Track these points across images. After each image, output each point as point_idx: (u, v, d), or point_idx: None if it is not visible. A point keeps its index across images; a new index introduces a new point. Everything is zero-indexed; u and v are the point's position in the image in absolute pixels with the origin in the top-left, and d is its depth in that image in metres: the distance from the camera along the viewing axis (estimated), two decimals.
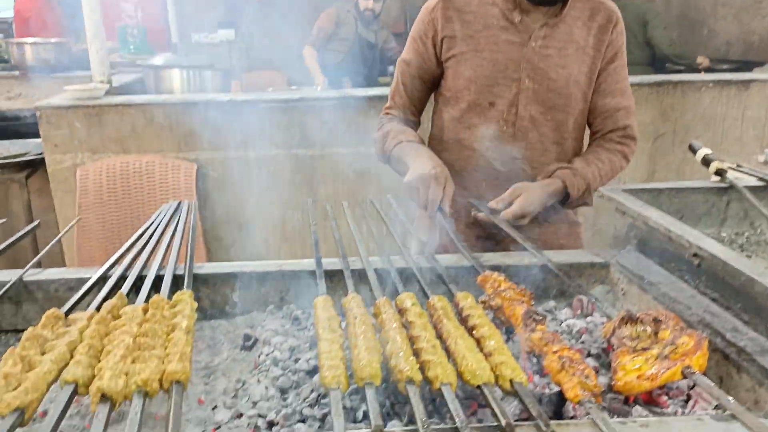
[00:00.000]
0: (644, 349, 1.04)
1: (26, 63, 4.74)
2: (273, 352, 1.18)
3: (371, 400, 0.85)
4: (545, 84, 1.71)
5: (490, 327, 1.04)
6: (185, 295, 1.14)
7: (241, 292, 1.35)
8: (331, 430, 0.91)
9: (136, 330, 0.98)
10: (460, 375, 0.92)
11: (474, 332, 1.04)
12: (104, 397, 0.83)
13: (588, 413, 0.98)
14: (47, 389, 0.87)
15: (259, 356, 1.18)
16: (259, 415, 1.01)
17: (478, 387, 0.89)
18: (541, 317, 1.05)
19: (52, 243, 1.45)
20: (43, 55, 4.73)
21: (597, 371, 1.11)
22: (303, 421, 0.97)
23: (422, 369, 0.93)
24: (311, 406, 1.01)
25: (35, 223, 1.57)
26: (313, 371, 1.11)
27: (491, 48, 1.72)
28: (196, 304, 1.12)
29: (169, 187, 3.24)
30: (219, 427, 1.00)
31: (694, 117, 3.90)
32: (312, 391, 1.05)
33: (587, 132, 1.90)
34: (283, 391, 1.07)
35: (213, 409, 1.04)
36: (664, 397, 1.04)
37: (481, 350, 0.98)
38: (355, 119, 3.29)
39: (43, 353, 0.95)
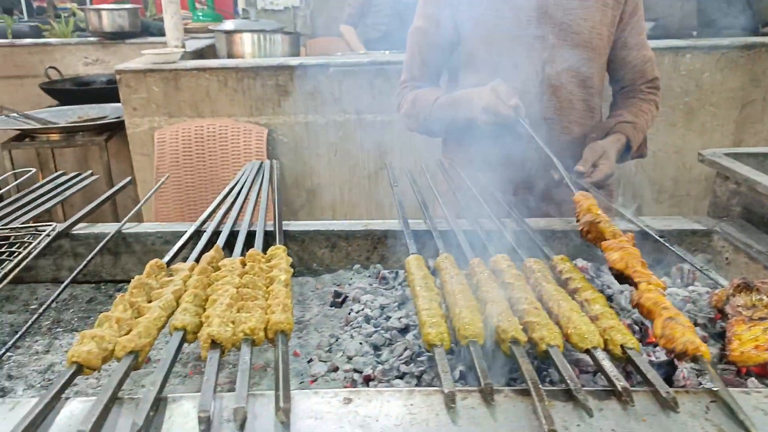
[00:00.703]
0: (761, 319, 0.97)
1: (102, 29, 4.88)
2: (363, 309, 1.17)
3: (477, 357, 0.83)
4: (570, 39, 1.64)
5: (593, 291, 1.00)
6: (279, 249, 1.15)
7: (328, 250, 1.35)
8: (430, 387, 0.91)
9: (237, 281, 1.00)
10: (567, 338, 0.89)
11: (575, 296, 1.01)
12: (214, 344, 0.84)
13: (700, 383, 0.94)
14: (158, 334, 0.89)
15: (349, 313, 1.18)
16: (355, 370, 1.01)
17: (586, 351, 0.86)
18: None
19: (147, 197, 1.49)
20: (118, 21, 4.85)
21: (705, 341, 1.05)
22: (400, 377, 0.97)
23: (525, 331, 0.90)
24: (406, 363, 1.00)
25: (128, 179, 1.62)
26: (405, 330, 1.10)
27: (511, 6, 1.63)
28: (290, 259, 1.13)
29: (240, 151, 3.30)
30: (316, 380, 1.01)
31: None
32: (405, 349, 1.04)
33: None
34: (376, 348, 1.06)
35: (308, 362, 1.05)
36: None
37: (586, 314, 0.94)
38: None
39: (149, 301, 0.98)
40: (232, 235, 1.27)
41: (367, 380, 0.98)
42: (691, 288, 1.24)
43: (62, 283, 1.12)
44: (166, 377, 0.79)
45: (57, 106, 4.18)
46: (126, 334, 0.87)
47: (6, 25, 5.26)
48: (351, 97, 3.40)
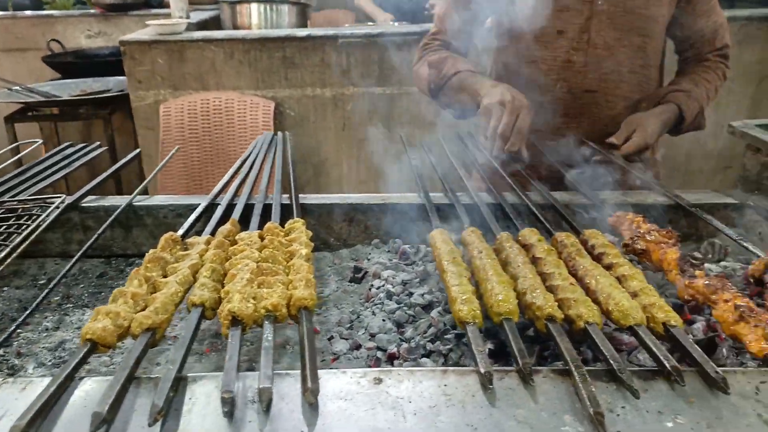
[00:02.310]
0: None
1: (104, 1, 4.77)
2: (385, 285, 1.13)
3: (513, 336, 0.79)
4: (621, 4, 1.53)
5: (630, 266, 0.95)
6: (298, 223, 1.10)
7: (345, 224, 1.31)
8: (461, 366, 0.87)
9: (257, 255, 0.95)
10: (606, 314, 0.84)
11: (611, 271, 0.96)
12: (235, 321, 0.80)
13: (741, 363, 0.90)
14: (174, 310, 0.85)
15: (370, 289, 1.14)
16: (378, 348, 0.97)
17: (629, 328, 0.81)
18: (699, 261, 0.95)
19: (157, 169, 1.44)
20: None
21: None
22: (427, 356, 0.93)
23: (560, 307, 0.86)
24: (432, 341, 0.96)
25: (137, 151, 1.57)
26: (428, 306, 1.06)
27: None
28: (310, 233, 1.08)
29: (247, 125, 3.23)
30: (338, 358, 0.97)
31: None
32: (430, 326, 1.00)
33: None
34: (400, 325, 1.02)
35: (329, 339, 1.01)
36: None
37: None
38: None
39: (165, 275, 0.94)
40: (247, 209, 1.22)
41: (392, 359, 0.94)
42: (723, 264, 1.20)
43: (71, 257, 1.08)
44: (185, 355, 0.75)
45: (59, 79, 4.11)
46: (142, 310, 0.83)
47: None
48: (360, 69, 3.32)
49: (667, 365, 0.72)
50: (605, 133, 1.64)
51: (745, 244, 1.09)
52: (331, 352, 0.98)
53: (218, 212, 1.18)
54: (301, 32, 3.25)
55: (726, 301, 0.86)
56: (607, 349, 0.76)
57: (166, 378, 0.70)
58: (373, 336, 1.00)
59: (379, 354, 0.96)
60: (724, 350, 0.92)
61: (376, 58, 3.26)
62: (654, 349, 0.75)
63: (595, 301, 0.87)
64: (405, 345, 0.95)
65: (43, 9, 5.10)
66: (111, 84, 3.86)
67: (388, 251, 1.29)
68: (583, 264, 0.95)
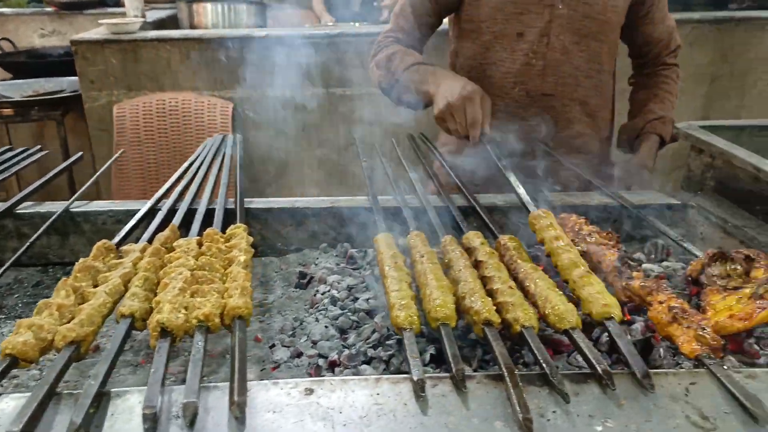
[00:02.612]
0: (736, 288, 0.94)
1: None
2: (330, 290, 1.12)
3: (449, 341, 0.78)
4: (581, 9, 1.56)
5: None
6: (239, 228, 1.08)
7: (293, 228, 1.29)
8: (399, 374, 0.86)
9: (192, 263, 0.93)
10: (543, 318, 0.85)
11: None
12: (164, 332, 0.77)
13: (677, 363, 0.91)
14: (102, 322, 0.82)
15: (315, 295, 1.12)
16: (320, 355, 0.95)
17: (565, 332, 0.82)
18: (636, 262, 0.96)
19: (97, 174, 1.41)
20: None
21: None
22: (368, 362, 0.91)
23: (498, 311, 0.86)
24: (374, 347, 0.95)
25: (79, 154, 1.52)
26: (373, 311, 1.05)
27: None
28: (251, 239, 1.06)
29: (205, 127, 3.18)
30: (278, 366, 0.95)
31: (755, 58, 3.65)
32: (373, 332, 0.99)
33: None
34: (343, 331, 1.01)
35: (271, 347, 0.99)
36: (755, 347, 0.96)
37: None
38: None
39: (95, 285, 0.91)
40: (190, 214, 1.19)
41: (333, 366, 0.93)
42: (665, 263, 1.21)
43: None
44: (109, 370, 0.73)
45: (11, 79, 3.97)
46: (68, 323, 0.79)
47: None
48: (319, 70, 3.29)
49: (599, 369, 0.72)
50: (559, 137, 1.66)
51: (684, 244, 1.11)
52: (272, 360, 0.96)
53: (158, 218, 1.14)
54: (260, 32, 3.21)
55: (660, 302, 0.87)
56: (541, 353, 0.76)
57: (86, 394, 0.67)
58: (315, 343, 0.98)
59: (321, 361, 0.94)
60: (661, 351, 0.93)
61: (336, 58, 3.24)
62: (587, 352, 0.76)
63: (534, 305, 0.87)
64: (346, 352, 0.94)
65: None
66: (65, 84, 3.75)
67: (336, 255, 1.27)
68: (523, 267, 0.95)
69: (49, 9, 4.80)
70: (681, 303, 0.87)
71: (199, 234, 1.07)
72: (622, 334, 0.81)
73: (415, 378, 0.71)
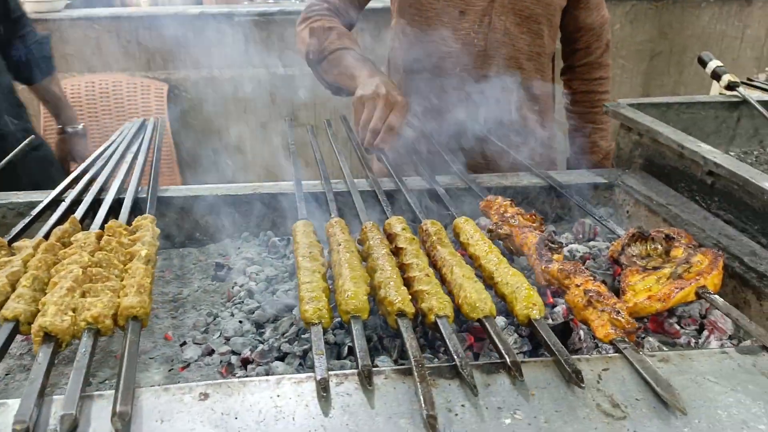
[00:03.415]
0: (655, 268, 0.94)
1: None
2: (248, 282, 1.06)
3: (358, 336, 0.75)
4: None
5: (490, 254, 0.93)
6: (146, 220, 1.01)
7: (213, 217, 1.23)
8: (312, 369, 0.82)
9: (87, 259, 0.86)
10: (458, 307, 0.82)
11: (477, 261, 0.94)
12: (48, 336, 0.71)
13: (596, 345, 0.90)
14: None
15: (232, 287, 1.07)
16: (233, 352, 0.91)
17: (479, 321, 0.79)
18: (557, 245, 0.94)
19: (5, 161, 1.29)
20: None
21: None
22: (281, 358, 0.87)
23: (415, 300, 0.83)
24: (290, 342, 0.91)
25: None
26: (292, 304, 1.00)
27: None
28: (158, 231, 1.00)
29: (138, 109, 3.04)
30: (188, 365, 0.90)
31: (691, 35, 3.73)
32: (291, 325, 0.94)
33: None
34: (259, 326, 0.96)
35: (181, 345, 0.94)
36: (676, 326, 0.96)
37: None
38: None
39: None
40: (97, 205, 1.12)
41: (245, 363, 0.88)
42: (591, 243, 1.21)
43: None
44: None
45: None
46: None
47: None
48: (260, 49, 3.19)
49: (508, 359, 0.70)
50: (501, 117, 1.64)
51: (606, 224, 1.10)
52: (182, 360, 0.91)
53: (60, 210, 1.06)
54: (194, 9, 3.08)
55: (577, 285, 0.86)
56: (453, 344, 0.73)
57: None
58: (228, 339, 0.93)
59: (234, 359, 0.90)
60: (581, 333, 0.92)
61: (275, 37, 3.15)
62: (497, 342, 0.73)
63: (450, 294, 0.84)
64: (260, 347, 0.90)
65: None
66: None
67: (259, 245, 1.22)
68: (441, 254, 0.92)
69: None
70: (597, 286, 0.85)
71: (102, 227, 1.00)
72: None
73: (318, 377, 0.67)
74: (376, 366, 0.79)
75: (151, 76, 3.10)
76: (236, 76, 3.20)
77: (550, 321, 0.95)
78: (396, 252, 0.96)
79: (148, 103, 3.03)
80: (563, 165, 1.87)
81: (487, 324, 0.77)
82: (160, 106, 3.03)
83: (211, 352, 0.91)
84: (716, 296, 0.88)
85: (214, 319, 0.99)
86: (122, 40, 3.06)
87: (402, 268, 0.91)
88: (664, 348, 0.89)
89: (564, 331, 0.91)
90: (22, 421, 0.59)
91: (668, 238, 0.98)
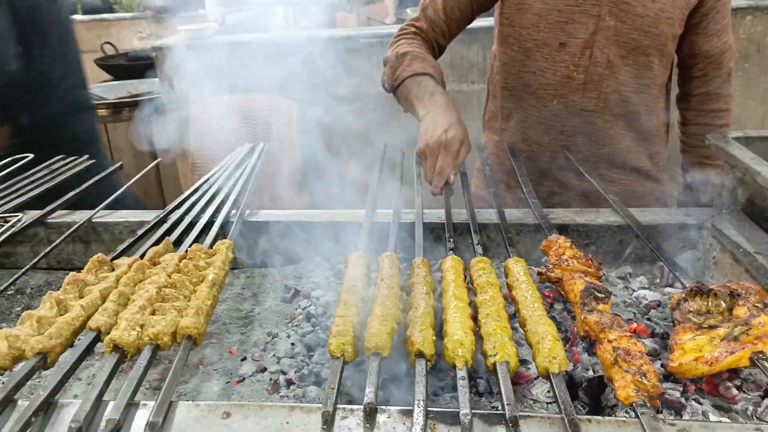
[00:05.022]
0: (711, 327, 0.88)
1: (155, 3, 5.01)
2: (309, 306, 1.15)
3: (372, 372, 0.79)
4: (630, 21, 1.45)
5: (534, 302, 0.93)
6: (224, 245, 1.14)
7: (290, 241, 1.34)
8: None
9: (164, 280, 1.00)
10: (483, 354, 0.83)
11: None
12: (116, 348, 0.85)
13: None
14: (72, 335, 0.90)
15: (295, 309, 1.16)
16: (282, 372, 1.00)
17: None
18: (603, 295, 0.91)
19: (128, 183, 1.51)
20: None
21: (657, 354, 0.96)
22: (317, 383, 0.94)
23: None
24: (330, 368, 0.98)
25: (117, 164, 1.65)
26: None
27: None
28: (231, 256, 1.12)
29: (271, 127, 3.31)
30: (243, 380, 1.00)
31: None
32: None
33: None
34: (310, 349, 1.05)
35: (242, 360, 1.05)
36: (734, 391, 0.88)
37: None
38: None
39: (81, 298, 1.00)
40: (192, 227, 1.27)
41: (289, 383, 0.97)
42: (667, 290, 1.14)
43: (41, 269, 1.18)
44: (62, 380, 0.81)
45: (111, 80, 4.34)
46: None
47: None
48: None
49: (507, 412, 0.71)
50: (601, 153, 1.59)
51: (675, 272, 1.04)
52: (238, 374, 1.02)
53: (161, 231, 1.23)
54: (323, 33, 3.28)
55: (609, 341, 0.83)
56: (462, 392, 0.75)
57: (32, 403, 0.75)
58: (279, 359, 1.03)
59: (281, 378, 0.99)
60: None
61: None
62: (503, 392, 0.74)
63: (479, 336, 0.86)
64: (303, 370, 0.98)
65: (113, 11, 5.38)
66: (156, 86, 4.04)
67: (329, 270, 1.31)
68: (480, 296, 0.94)
69: (147, 13, 5.19)
70: (633, 343, 0.82)
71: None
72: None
73: (324, 409, 0.73)
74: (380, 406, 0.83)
75: (284, 96, 3.36)
76: (357, 95, 3.34)
77: (590, 373, 0.92)
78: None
79: (279, 121, 3.28)
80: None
81: (499, 373, 0.78)
82: (288, 124, 3.28)
83: (263, 370, 1.01)
84: None
85: (273, 338, 1.09)
86: (257, 63, 3.35)
87: (437, 308, 0.94)
88: (710, 415, 0.84)
89: (600, 385, 0.89)
90: (77, 421, 0.72)
91: (733, 295, 0.91)
